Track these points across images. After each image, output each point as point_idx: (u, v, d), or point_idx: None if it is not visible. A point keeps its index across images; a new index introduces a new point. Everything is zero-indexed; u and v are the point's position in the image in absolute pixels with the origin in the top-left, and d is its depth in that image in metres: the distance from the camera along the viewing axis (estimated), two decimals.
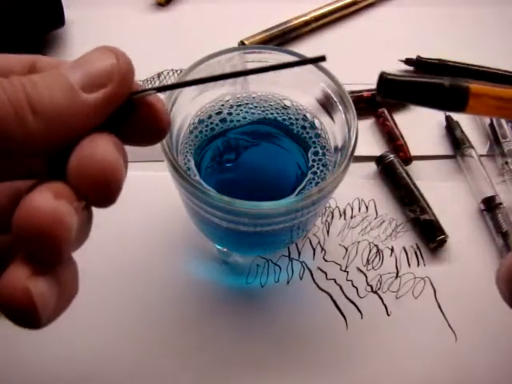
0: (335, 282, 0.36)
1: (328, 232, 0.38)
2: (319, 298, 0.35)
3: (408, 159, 0.40)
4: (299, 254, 0.37)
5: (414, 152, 0.41)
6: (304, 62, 0.18)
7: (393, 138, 0.41)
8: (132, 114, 0.18)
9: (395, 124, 0.42)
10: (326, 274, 0.36)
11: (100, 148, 0.16)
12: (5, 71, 0.18)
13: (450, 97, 0.17)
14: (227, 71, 0.18)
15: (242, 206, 0.26)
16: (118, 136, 0.18)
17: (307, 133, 0.33)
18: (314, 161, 0.32)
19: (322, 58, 0.16)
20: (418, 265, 0.37)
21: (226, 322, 0.34)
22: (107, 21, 0.49)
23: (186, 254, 0.37)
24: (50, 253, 0.15)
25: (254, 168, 0.33)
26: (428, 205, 0.38)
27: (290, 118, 0.33)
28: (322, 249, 0.37)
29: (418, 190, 0.38)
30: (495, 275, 0.19)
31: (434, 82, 0.17)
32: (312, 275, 0.36)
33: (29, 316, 0.15)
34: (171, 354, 0.33)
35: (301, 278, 0.36)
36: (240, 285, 0.36)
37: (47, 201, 0.15)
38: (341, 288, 0.36)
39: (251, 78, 0.33)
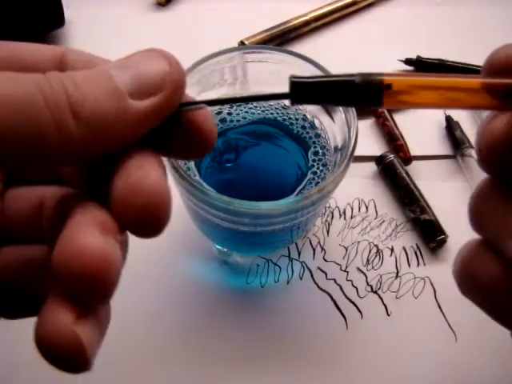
0: (335, 282, 0.36)
1: (328, 232, 0.38)
2: (319, 298, 0.35)
3: (408, 159, 0.40)
4: (299, 254, 0.37)
5: (413, 152, 0.41)
6: (270, 97, 0.18)
7: (393, 138, 0.41)
8: (178, 127, 0.16)
9: (395, 124, 0.42)
10: (326, 274, 0.36)
11: (151, 176, 0.14)
12: (31, 64, 0.17)
13: (363, 93, 0.16)
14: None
15: (241, 206, 0.26)
16: (159, 149, 0.16)
17: (307, 133, 0.33)
18: (314, 161, 0.32)
19: (288, 96, 0.16)
20: (418, 265, 0.37)
21: (226, 321, 0.34)
22: (107, 21, 0.49)
23: (186, 253, 0.37)
24: (98, 296, 0.14)
25: (253, 168, 0.33)
26: (428, 205, 0.38)
27: (290, 118, 0.33)
28: (322, 249, 0.37)
29: (417, 189, 0.38)
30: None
31: (344, 80, 0.17)
32: (312, 275, 0.36)
33: (79, 363, 0.14)
34: (171, 353, 0.33)
35: (301, 278, 0.36)
36: (240, 285, 0.36)
37: (95, 239, 0.14)
38: (341, 288, 0.36)
39: (251, 77, 0.33)
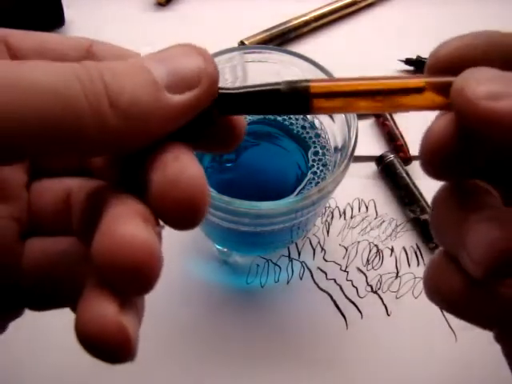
0: (335, 281, 0.36)
1: (328, 232, 0.38)
2: (319, 297, 0.35)
3: (408, 159, 0.40)
4: (299, 254, 0.37)
5: (413, 152, 0.41)
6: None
7: (393, 138, 0.41)
8: (211, 123, 0.16)
9: (395, 124, 0.42)
10: (326, 274, 0.36)
11: (189, 169, 0.14)
12: (60, 54, 0.17)
13: (290, 101, 0.16)
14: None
15: (241, 206, 0.26)
16: (191, 143, 0.16)
17: (307, 133, 0.33)
18: (314, 161, 0.32)
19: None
20: (418, 265, 0.37)
21: (226, 321, 0.34)
22: (107, 21, 0.49)
23: (186, 253, 0.37)
24: (142, 288, 0.14)
25: (253, 168, 0.33)
26: (428, 205, 0.38)
27: (290, 118, 0.33)
28: (322, 249, 0.37)
29: (417, 189, 0.38)
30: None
31: (270, 89, 0.16)
32: (312, 275, 0.36)
33: (125, 353, 0.13)
34: (171, 353, 0.33)
35: (301, 278, 0.36)
36: (240, 285, 0.36)
37: (139, 229, 0.13)
38: (341, 288, 0.36)
39: (251, 77, 0.33)
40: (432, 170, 0.16)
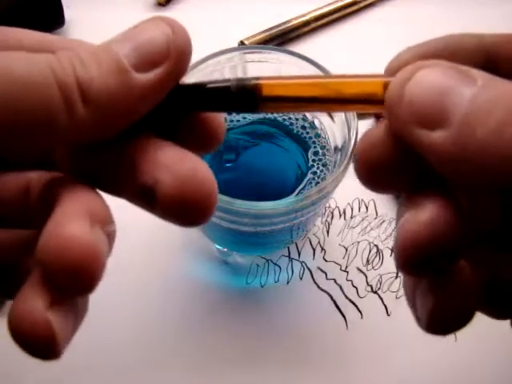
0: (335, 282, 0.36)
1: (328, 232, 0.38)
2: (319, 297, 0.35)
3: None
4: (299, 254, 0.37)
5: None
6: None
7: None
8: (183, 116, 0.16)
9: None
10: (326, 274, 0.36)
11: (201, 169, 0.14)
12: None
13: (238, 98, 0.16)
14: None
15: (242, 206, 0.26)
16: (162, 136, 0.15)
17: (307, 133, 0.33)
18: (313, 161, 0.32)
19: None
20: None
21: (226, 322, 0.34)
22: (107, 21, 0.49)
23: (186, 253, 0.37)
24: (81, 289, 0.13)
25: (253, 168, 0.33)
26: None
27: (290, 118, 0.33)
28: (322, 249, 0.37)
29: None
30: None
31: (219, 86, 0.16)
32: (312, 275, 0.36)
33: (48, 350, 0.13)
34: (171, 353, 0.33)
35: (301, 278, 0.36)
36: (240, 285, 0.36)
37: (82, 231, 0.13)
38: (341, 288, 0.36)
39: None
40: (364, 176, 0.16)
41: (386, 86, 0.15)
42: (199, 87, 0.16)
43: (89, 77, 0.14)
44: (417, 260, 0.14)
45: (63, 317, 0.14)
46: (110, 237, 0.14)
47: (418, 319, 0.16)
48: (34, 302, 0.13)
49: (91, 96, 0.13)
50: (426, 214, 0.14)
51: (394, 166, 0.15)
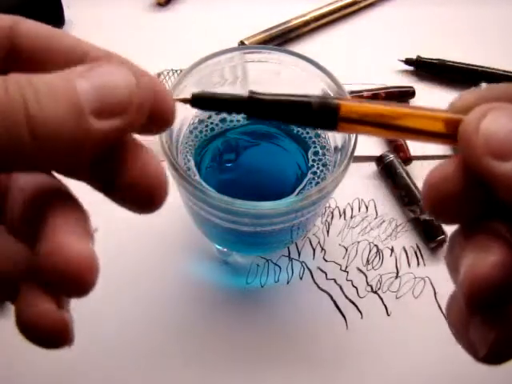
0: (335, 281, 0.36)
1: (328, 232, 0.38)
2: (319, 297, 0.35)
3: (408, 159, 0.40)
4: (299, 253, 0.37)
5: (413, 152, 0.41)
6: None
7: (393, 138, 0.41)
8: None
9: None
10: (326, 274, 0.36)
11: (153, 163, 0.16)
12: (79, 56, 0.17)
13: (319, 116, 0.16)
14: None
15: (242, 206, 0.26)
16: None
17: (307, 133, 0.33)
18: (313, 161, 0.32)
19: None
20: (418, 265, 0.37)
21: (226, 321, 0.34)
22: (107, 21, 0.49)
23: (186, 253, 0.37)
24: (81, 294, 0.15)
25: (253, 168, 0.33)
26: None
27: None
28: (322, 249, 0.37)
29: (417, 190, 0.38)
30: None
31: (302, 101, 0.16)
32: (312, 275, 0.36)
33: (67, 340, 0.16)
34: (171, 353, 0.33)
35: (301, 278, 0.36)
36: (240, 285, 0.36)
37: (83, 246, 0.15)
38: (341, 288, 0.36)
39: (251, 77, 0.33)
40: (437, 216, 0.16)
41: (451, 122, 0.16)
42: (278, 100, 0.16)
43: (41, 113, 0.13)
44: (488, 300, 0.15)
45: (68, 313, 0.16)
46: (93, 239, 0.16)
47: (474, 351, 0.17)
48: (46, 305, 0.15)
49: (40, 132, 0.13)
50: (496, 256, 0.15)
51: (462, 199, 0.16)
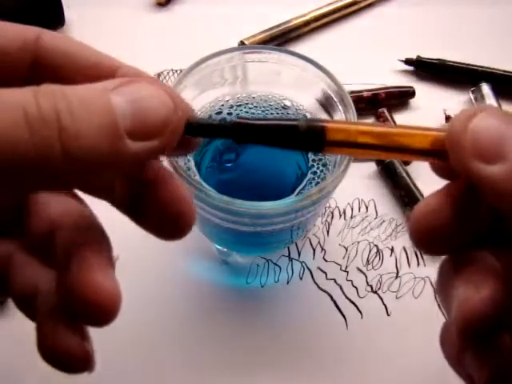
0: (335, 281, 0.36)
1: (328, 232, 0.38)
2: (319, 297, 0.35)
3: None
4: (299, 253, 0.37)
5: None
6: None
7: None
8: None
9: (395, 124, 0.42)
10: (326, 274, 0.36)
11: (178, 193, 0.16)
12: (95, 73, 0.16)
13: (306, 139, 0.16)
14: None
15: (242, 206, 0.26)
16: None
17: None
18: (313, 161, 0.32)
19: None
20: (418, 265, 0.37)
21: (226, 321, 0.34)
22: (107, 21, 0.49)
23: (186, 253, 0.37)
24: (105, 324, 0.16)
25: (253, 168, 0.33)
26: None
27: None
28: (322, 249, 0.37)
29: (417, 189, 0.38)
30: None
31: (288, 125, 0.17)
32: (312, 275, 0.36)
33: (91, 367, 0.17)
34: (171, 353, 0.33)
35: (301, 278, 0.36)
36: (240, 285, 0.36)
37: (112, 282, 0.16)
38: (341, 288, 0.36)
39: (251, 77, 0.33)
40: (426, 250, 0.17)
41: (439, 139, 0.16)
42: (263, 123, 0.17)
43: (76, 131, 0.12)
44: (480, 333, 0.16)
45: (90, 342, 0.17)
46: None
47: (470, 379, 0.17)
48: (72, 339, 0.16)
49: (74, 152, 0.12)
50: (487, 291, 0.15)
51: (450, 231, 0.16)
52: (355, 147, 0.17)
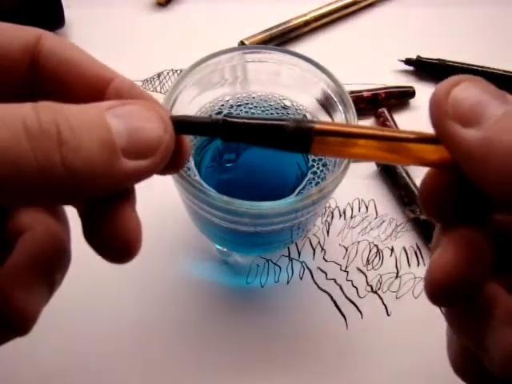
0: (335, 281, 0.36)
1: (328, 232, 0.38)
2: (319, 298, 0.35)
3: None
4: (299, 253, 0.37)
5: None
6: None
7: None
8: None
9: (395, 124, 0.42)
10: (326, 274, 0.36)
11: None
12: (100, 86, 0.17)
13: (293, 139, 0.16)
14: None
15: (241, 206, 0.26)
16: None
17: None
18: (313, 161, 0.32)
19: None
20: (418, 265, 0.37)
21: (226, 321, 0.34)
22: (107, 21, 0.49)
23: (186, 253, 0.37)
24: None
25: (253, 168, 0.33)
26: None
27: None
28: (322, 249, 0.37)
29: (417, 189, 0.38)
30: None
31: (275, 125, 0.17)
32: (312, 275, 0.36)
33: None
34: (171, 353, 0.33)
35: (301, 278, 0.36)
36: (240, 285, 0.36)
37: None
38: (341, 288, 0.36)
39: (251, 78, 0.33)
40: (431, 214, 0.17)
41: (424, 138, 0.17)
42: (250, 123, 0.17)
43: (75, 145, 0.13)
44: (441, 294, 0.16)
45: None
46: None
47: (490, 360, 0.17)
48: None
49: (74, 165, 0.13)
50: (446, 257, 0.16)
51: (445, 196, 0.17)
52: (344, 148, 0.17)
